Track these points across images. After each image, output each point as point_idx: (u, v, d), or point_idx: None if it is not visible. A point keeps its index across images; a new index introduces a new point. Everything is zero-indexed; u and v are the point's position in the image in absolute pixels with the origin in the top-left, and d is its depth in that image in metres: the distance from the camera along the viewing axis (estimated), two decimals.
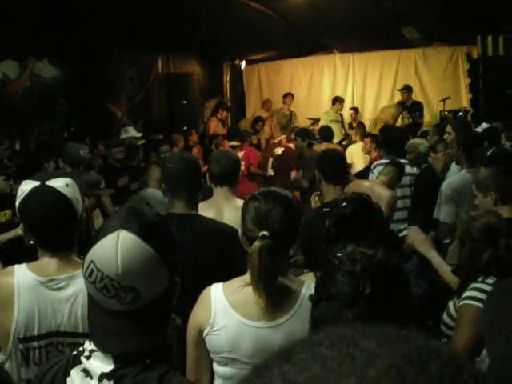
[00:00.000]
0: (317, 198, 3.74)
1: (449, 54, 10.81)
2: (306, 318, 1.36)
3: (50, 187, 1.81)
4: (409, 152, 5.21)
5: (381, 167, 4.85)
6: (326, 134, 7.32)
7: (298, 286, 1.82)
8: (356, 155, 7.86)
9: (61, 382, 1.26)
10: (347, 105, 10.99)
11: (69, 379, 1.25)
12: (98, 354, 1.23)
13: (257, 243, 1.71)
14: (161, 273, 1.22)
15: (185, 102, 9.97)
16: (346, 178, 3.60)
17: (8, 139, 6.21)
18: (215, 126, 9.86)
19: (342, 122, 10.31)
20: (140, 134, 7.23)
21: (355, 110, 10.64)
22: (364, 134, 8.47)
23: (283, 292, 1.79)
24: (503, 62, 9.51)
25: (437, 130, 6.90)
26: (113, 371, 1.20)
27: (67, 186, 1.84)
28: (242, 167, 7.31)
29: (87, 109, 7.76)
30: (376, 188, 4.13)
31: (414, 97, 10.12)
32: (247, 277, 1.75)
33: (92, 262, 1.21)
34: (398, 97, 10.38)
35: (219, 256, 2.43)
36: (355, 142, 8.53)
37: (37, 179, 1.84)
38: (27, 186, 1.83)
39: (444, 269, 2.86)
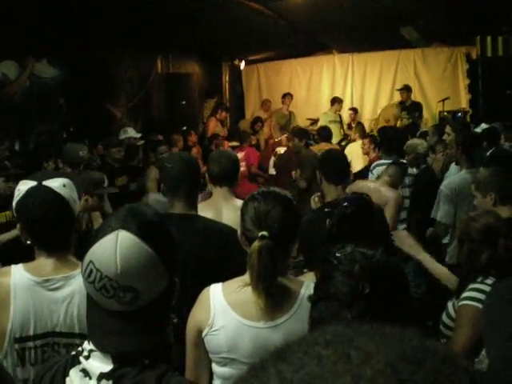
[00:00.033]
0: (317, 199, 3.74)
1: (448, 55, 10.81)
2: (306, 318, 1.36)
3: (47, 187, 1.81)
4: (407, 153, 5.22)
5: (380, 168, 4.85)
6: (325, 134, 7.34)
7: (298, 286, 1.82)
8: (355, 154, 7.85)
9: (60, 382, 1.26)
10: (346, 105, 10.99)
11: (68, 379, 1.25)
12: (96, 354, 1.23)
13: (256, 243, 1.71)
14: (160, 273, 1.22)
15: (184, 102, 9.97)
16: (347, 178, 3.61)
17: (8, 139, 6.21)
18: (214, 127, 9.86)
19: (340, 122, 10.31)
20: (139, 135, 7.22)
21: (354, 110, 10.64)
22: (363, 133, 8.48)
23: (282, 292, 1.79)
24: (502, 62, 9.51)
25: (436, 131, 6.90)
26: (112, 371, 1.20)
27: (64, 186, 1.84)
28: (243, 168, 7.35)
29: (86, 109, 7.76)
30: (382, 188, 4.14)
31: (413, 97, 10.11)
32: (246, 277, 1.75)
33: (91, 261, 1.20)
34: (397, 97, 10.38)
35: (218, 256, 2.43)
36: (354, 140, 8.54)
37: (34, 179, 1.84)
38: (24, 186, 1.83)
39: (438, 269, 2.83)
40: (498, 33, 9.60)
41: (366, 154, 6.85)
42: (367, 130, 9.49)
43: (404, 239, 2.83)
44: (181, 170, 2.64)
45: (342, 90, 11.59)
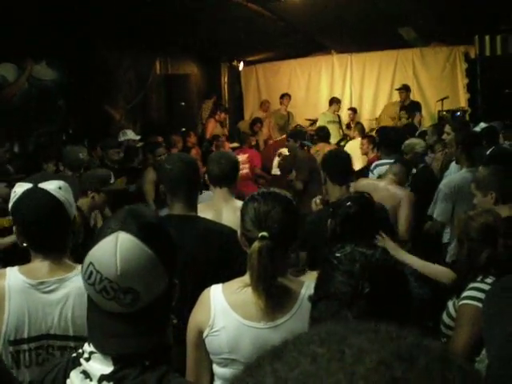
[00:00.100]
0: (318, 201, 3.74)
1: (446, 54, 10.82)
2: (306, 318, 1.36)
3: (42, 190, 1.81)
4: (406, 152, 5.22)
5: (381, 167, 4.85)
6: (323, 134, 7.36)
7: (298, 287, 1.82)
8: (355, 152, 7.85)
9: None
10: (345, 105, 10.99)
11: (68, 381, 1.25)
12: (97, 355, 1.23)
13: (256, 244, 1.71)
14: (160, 274, 1.22)
15: (183, 103, 9.97)
16: (351, 178, 3.63)
17: (7, 142, 6.20)
18: (213, 128, 9.86)
19: (339, 122, 10.31)
20: (138, 137, 7.23)
21: (353, 110, 10.64)
22: (363, 132, 8.49)
23: (283, 292, 1.79)
24: (501, 61, 9.51)
25: (435, 130, 6.90)
26: (112, 373, 1.20)
27: (60, 188, 1.83)
28: (247, 170, 7.35)
29: (86, 111, 7.76)
30: (390, 187, 4.11)
31: (411, 97, 10.12)
32: (247, 278, 1.75)
33: (91, 263, 1.20)
34: (396, 97, 10.38)
35: (218, 257, 2.43)
36: (354, 138, 8.55)
37: (30, 181, 1.84)
38: (20, 188, 1.83)
39: (429, 267, 2.86)
40: (496, 32, 9.60)
41: (365, 154, 6.85)
42: (367, 129, 9.50)
43: (386, 242, 2.78)
44: (180, 171, 2.64)
45: (340, 90, 11.60)
